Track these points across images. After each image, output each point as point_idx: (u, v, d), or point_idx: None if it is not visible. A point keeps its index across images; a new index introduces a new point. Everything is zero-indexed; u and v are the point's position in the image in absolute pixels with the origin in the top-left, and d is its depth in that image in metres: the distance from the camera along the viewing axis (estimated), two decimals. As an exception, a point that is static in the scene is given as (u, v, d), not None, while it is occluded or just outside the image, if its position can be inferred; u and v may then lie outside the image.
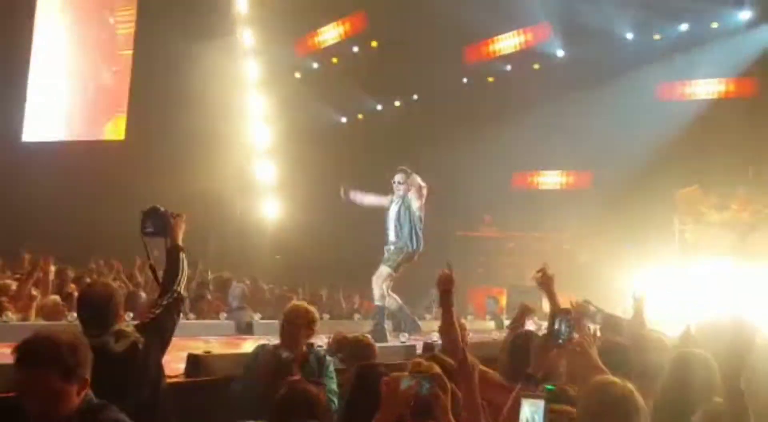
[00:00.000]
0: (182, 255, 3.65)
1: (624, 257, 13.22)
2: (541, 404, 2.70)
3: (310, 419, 3.05)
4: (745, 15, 15.01)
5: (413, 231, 7.57)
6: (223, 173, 15.93)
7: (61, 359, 2.44)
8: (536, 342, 3.76)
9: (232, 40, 17.93)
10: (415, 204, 7.62)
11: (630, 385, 2.59)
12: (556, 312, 3.11)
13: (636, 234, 13.05)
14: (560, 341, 3.07)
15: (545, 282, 4.64)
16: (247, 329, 7.14)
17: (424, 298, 11.71)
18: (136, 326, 3.42)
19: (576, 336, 3.29)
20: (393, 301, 7.50)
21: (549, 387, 2.91)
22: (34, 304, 6.17)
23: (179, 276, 3.58)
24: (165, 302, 3.48)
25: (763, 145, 13.26)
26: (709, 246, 12.94)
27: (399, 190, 7.66)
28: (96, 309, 3.28)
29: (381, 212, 7.82)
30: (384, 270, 7.50)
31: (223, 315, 7.44)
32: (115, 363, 3.11)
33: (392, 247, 7.57)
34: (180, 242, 3.71)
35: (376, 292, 7.44)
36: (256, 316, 7.62)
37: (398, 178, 7.69)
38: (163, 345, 3.46)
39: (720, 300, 11.24)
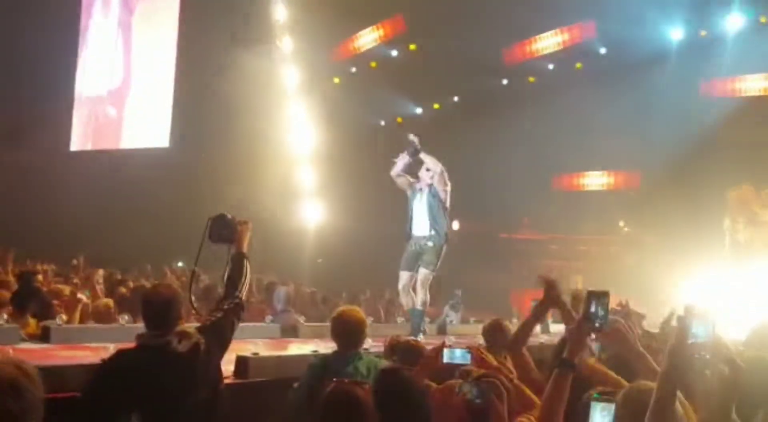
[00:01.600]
0: (246, 263, 3.71)
1: (672, 260, 12.95)
2: (612, 407, 2.60)
3: (354, 420, 2.98)
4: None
5: (446, 226, 7.03)
6: (265, 178, 16.03)
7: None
8: (570, 326, 3.58)
9: (272, 46, 18.06)
10: (442, 193, 6.99)
11: None
12: (592, 294, 2.87)
13: (685, 235, 12.75)
14: (597, 325, 2.86)
15: (549, 289, 4.14)
16: (292, 332, 7.12)
17: (448, 297, 11.56)
18: (197, 328, 3.45)
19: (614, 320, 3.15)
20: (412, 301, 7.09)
21: (596, 395, 2.81)
22: (80, 307, 6.23)
23: (242, 282, 3.63)
24: (226, 306, 3.53)
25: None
26: (763, 245, 12.61)
27: (427, 177, 7.03)
28: (160, 309, 3.33)
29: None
30: (428, 275, 6.99)
31: (269, 318, 7.42)
32: (178, 362, 3.15)
33: (429, 245, 6.98)
34: (245, 249, 3.78)
35: (421, 297, 7.00)
36: (301, 319, 7.61)
37: (429, 162, 7.03)
38: (222, 348, 3.49)
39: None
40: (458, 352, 3.34)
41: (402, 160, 7.19)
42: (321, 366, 4.16)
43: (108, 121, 19.77)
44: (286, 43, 18.44)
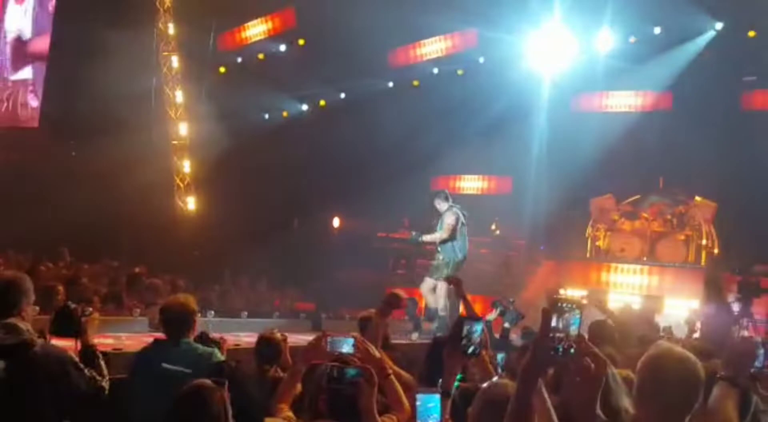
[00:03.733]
0: (98, 359, 3.64)
1: (540, 261, 13.61)
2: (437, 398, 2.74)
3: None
4: (657, 30, 15.54)
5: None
6: (141, 167, 15.51)
7: None
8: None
9: (154, 31, 17.51)
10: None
11: None
12: (464, 320, 2.79)
13: (553, 238, 13.45)
14: (470, 351, 2.75)
15: (457, 288, 4.85)
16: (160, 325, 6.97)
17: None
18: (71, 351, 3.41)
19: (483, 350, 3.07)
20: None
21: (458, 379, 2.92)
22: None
23: (103, 376, 3.60)
24: (94, 385, 3.48)
25: (671, 157, 13.87)
26: (619, 251, 13.49)
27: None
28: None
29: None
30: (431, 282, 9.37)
31: (137, 311, 7.23)
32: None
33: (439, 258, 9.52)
34: (92, 342, 3.68)
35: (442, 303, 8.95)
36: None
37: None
38: (54, 380, 3.37)
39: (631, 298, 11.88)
40: (342, 340, 3.29)
41: None
42: (145, 355, 4.13)
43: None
44: (170, 29, 17.94)
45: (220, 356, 4.17)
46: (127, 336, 5.88)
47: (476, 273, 13.57)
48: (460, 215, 9.24)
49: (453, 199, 9.48)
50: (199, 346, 4.14)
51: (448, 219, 9.13)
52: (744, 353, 3.14)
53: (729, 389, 2.87)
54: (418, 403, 2.75)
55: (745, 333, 10.23)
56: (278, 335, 4.71)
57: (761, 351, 3.55)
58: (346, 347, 3.17)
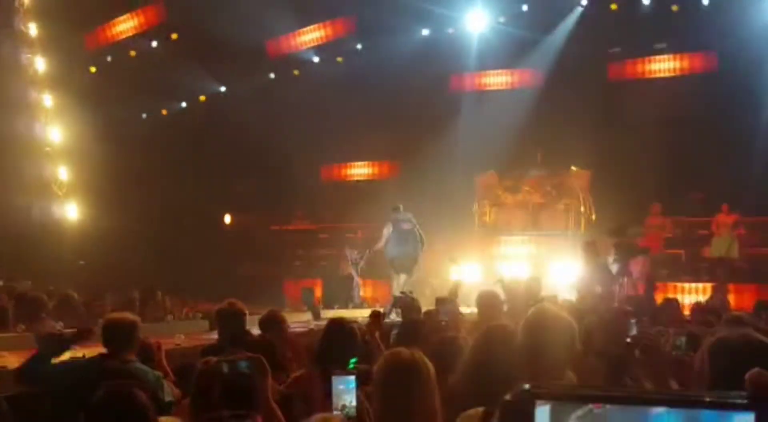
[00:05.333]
0: None
1: (433, 241, 13.91)
2: (351, 379, 2.81)
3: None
4: (524, 7, 16.11)
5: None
6: (14, 175, 14.74)
7: None
8: None
9: (15, 31, 16.60)
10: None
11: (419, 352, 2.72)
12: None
13: (442, 218, 13.76)
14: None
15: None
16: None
17: None
18: None
19: None
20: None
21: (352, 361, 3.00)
22: None
23: None
24: None
25: (548, 131, 14.48)
26: (506, 225, 14.01)
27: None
28: None
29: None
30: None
31: (21, 327, 6.90)
32: None
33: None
34: None
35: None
36: (58, 325, 7.16)
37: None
38: None
39: (519, 268, 12.43)
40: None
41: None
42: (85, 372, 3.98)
43: None
44: (32, 29, 17.06)
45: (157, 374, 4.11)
46: (11, 354, 5.63)
47: (373, 259, 13.78)
48: (393, 223, 12.26)
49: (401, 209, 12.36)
50: (142, 366, 4.08)
51: (384, 229, 12.38)
52: (616, 328, 3.45)
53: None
54: (333, 385, 2.81)
55: (625, 290, 10.89)
56: (152, 341, 4.65)
57: (632, 322, 3.85)
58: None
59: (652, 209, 13.88)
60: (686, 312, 7.38)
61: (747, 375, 1.44)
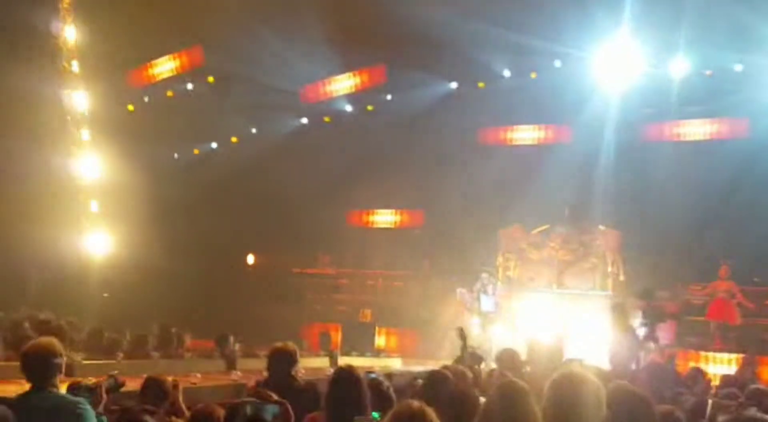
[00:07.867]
0: None
1: (454, 292, 13.82)
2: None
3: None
4: (558, 63, 16.20)
5: None
6: (48, 207, 14.96)
7: None
8: None
9: (58, 67, 17.03)
10: None
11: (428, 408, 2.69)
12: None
13: (465, 270, 13.71)
14: None
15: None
16: (67, 371, 6.70)
17: None
18: None
19: None
20: None
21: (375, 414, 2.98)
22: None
23: None
24: None
25: (577, 188, 14.44)
26: (529, 280, 13.89)
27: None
28: None
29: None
30: None
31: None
32: None
33: None
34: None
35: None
36: (78, 357, 7.18)
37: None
38: None
39: (542, 326, 12.26)
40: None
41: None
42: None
43: None
44: (74, 65, 17.49)
45: (87, 406, 3.88)
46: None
47: (394, 307, 13.71)
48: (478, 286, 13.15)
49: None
50: (66, 395, 3.93)
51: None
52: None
53: None
54: None
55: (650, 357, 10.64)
56: (168, 378, 4.64)
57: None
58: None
59: (720, 272, 12.71)
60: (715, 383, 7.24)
61: None
